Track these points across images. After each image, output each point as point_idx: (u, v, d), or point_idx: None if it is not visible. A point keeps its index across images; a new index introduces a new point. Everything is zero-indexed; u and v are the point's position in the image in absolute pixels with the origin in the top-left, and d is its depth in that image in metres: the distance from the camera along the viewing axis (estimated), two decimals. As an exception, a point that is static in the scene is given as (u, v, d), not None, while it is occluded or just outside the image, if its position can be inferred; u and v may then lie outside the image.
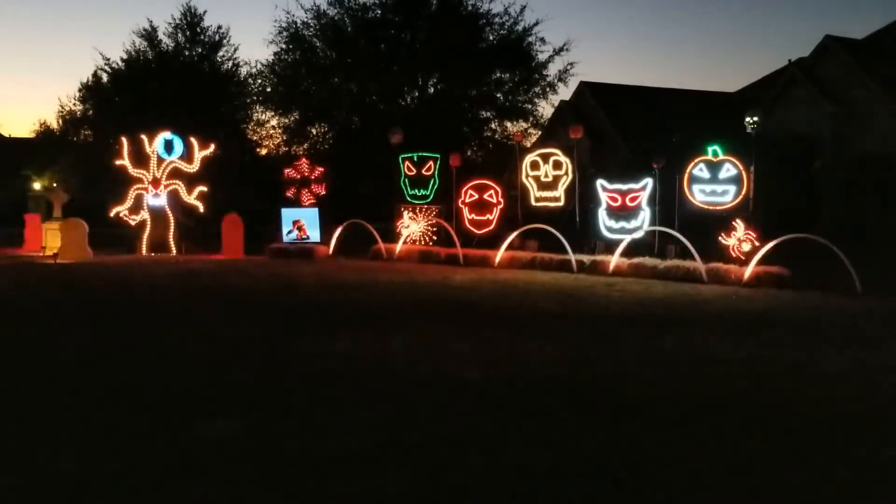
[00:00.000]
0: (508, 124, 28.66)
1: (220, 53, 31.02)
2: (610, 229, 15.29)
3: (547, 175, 16.55)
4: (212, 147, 19.95)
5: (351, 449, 4.71)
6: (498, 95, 28.21)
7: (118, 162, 19.72)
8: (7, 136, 41.22)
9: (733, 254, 13.48)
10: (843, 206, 22.80)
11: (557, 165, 16.49)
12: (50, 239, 19.19)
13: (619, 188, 15.28)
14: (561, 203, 16.51)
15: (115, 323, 9.35)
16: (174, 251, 19.08)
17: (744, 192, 13.97)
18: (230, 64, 31.08)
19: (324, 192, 19.16)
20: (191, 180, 19.59)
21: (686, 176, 14.45)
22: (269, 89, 29.49)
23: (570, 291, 12.11)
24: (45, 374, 6.72)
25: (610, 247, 15.06)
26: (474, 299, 11.24)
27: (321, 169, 19.41)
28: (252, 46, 72.72)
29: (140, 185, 19.55)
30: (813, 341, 8.13)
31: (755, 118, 14.22)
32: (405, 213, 18.08)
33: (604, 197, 15.40)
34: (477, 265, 15.92)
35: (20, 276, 14.37)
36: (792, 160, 23.69)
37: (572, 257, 14.88)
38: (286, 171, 19.75)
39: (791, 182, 23.67)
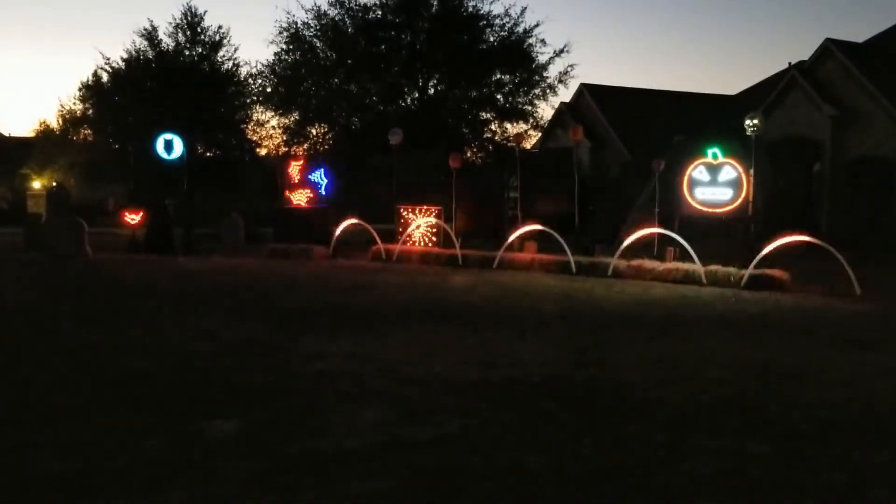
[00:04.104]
0: (508, 126, 28.68)
1: (221, 53, 31.08)
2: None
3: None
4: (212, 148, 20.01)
5: (351, 449, 4.71)
6: (498, 97, 28.21)
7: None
8: (7, 135, 41.22)
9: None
10: (843, 209, 22.80)
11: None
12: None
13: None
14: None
15: (114, 323, 9.34)
16: (174, 251, 19.06)
17: (743, 194, 13.97)
18: (230, 64, 31.14)
19: (323, 193, 19.17)
20: (190, 181, 19.60)
21: (686, 178, 14.45)
22: (269, 89, 29.48)
23: (570, 293, 12.11)
24: (43, 373, 6.72)
25: (608, 249, 15.06)
26: (473, 300, 11.24)
27: (321, 169, 19.43)
28: (252, 47, 72.90)
29: (141, 185, 19.57)
30: (812, 344, 8.14)
31: (755, 121, 14.22)
32: (404, 213, 18.08)
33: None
34: (476, 266, 15.91)
35: (19, 276, 14.37)
36: (792, 163, 23.70)
37: (571, 259, 14.88)
38: (286, 171, 19.78)
39: (791, 184, 23.67)
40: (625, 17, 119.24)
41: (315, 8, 27.68)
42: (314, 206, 19.32)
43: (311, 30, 27.80)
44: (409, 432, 5.03)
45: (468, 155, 27.13)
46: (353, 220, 18.37)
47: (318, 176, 19.27)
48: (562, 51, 27.84)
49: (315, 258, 17.77)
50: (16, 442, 4.89)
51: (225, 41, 31.09)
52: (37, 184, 33.53)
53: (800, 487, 4.19)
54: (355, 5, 27.33)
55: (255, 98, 30.76)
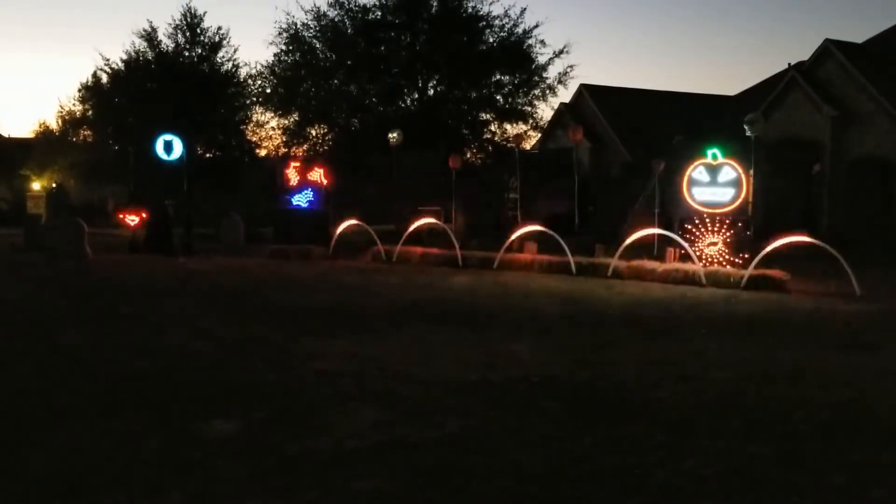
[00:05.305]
0: (508, 126, 28.71)
1: (220, 54, 31.13)
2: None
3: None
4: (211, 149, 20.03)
5: (351, 449, 4.71)
6: (497, 97, 28.24)
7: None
8: (7, 136, 41.23)
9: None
10: (843, 210, 22.82)
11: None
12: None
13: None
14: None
15: (114, 323, 9.34)
16: (174, 251, 19.05)
17: (743, 195, 13.97)
18: (230, 65, 31.18)
19: (323, 193, 19.19)
20: (190, 181, 19.59)
21: (685, 179, 14.45)
22: (268, 90, 29.53)
23: (569, 293, 12.11)
24: (43, 373, 6.72)
25: (609, 249, 15.05)
26: (473, 301, 11.24)
27: (322, 169, 19.45)
28: (252, 47, 73.00)
29: (141, 186, 19.56)
30: (812, 344, 8.13)
31: (755, 121, 14.20)
32: (403, 213, 18.10)
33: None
34: (476, 267, 15.90)
35: (19, 276, 14.37)
36: (791, 163, 23.72)
37: (571, 259, 14.87)
38: (286, 171, 19.79)
39: (790, 185, 23.68)
40: (625, 17, 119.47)
41: (315, 9, 27.75)
42: (314, 207, 19.33)
43: (311, 31, 27.86)
44: (409, 432, 5.03)
45: (468, 156, 27.15)
46: (353, 221, 18.37)
47: (319, 176, 19.27)
48: (561, 51, 27.89)
49: (315, 259, 17.77)
50: (16, 442, 4.88)
51: (224, 42, 31.16)
52: (36, 185, 33.54)
53: (800, 488, 4.18)
54: (355, 6, 27.38)
55: (254, 99, 30.82)
